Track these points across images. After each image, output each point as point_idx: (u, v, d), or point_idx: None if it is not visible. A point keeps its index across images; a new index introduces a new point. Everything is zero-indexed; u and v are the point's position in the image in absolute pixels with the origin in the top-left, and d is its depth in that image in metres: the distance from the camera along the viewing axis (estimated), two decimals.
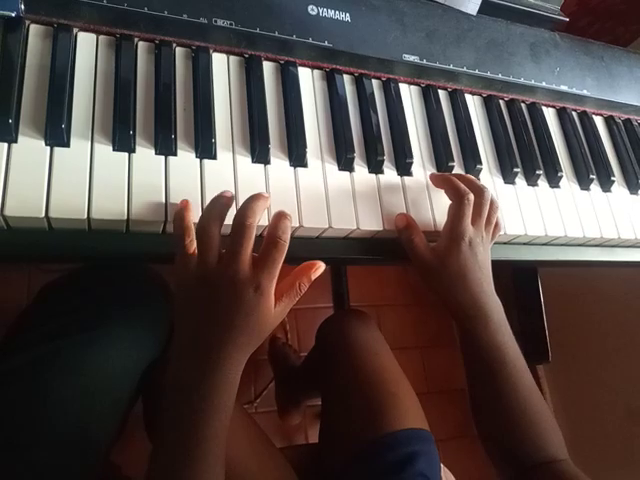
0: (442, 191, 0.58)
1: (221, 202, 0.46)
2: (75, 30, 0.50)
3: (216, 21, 0.53)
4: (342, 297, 1.46)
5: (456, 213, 0.54)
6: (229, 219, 0.46)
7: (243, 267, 0.43)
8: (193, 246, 0.45)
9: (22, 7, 0.47)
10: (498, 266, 0.60)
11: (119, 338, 0.56)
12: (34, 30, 0.49)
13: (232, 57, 0.57)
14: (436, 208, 0.60)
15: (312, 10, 0.58)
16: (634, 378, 1.26)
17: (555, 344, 0.95)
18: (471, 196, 0.54)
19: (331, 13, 0.59)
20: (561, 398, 1.48)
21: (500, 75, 0.67)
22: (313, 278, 0.47)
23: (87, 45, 0.51)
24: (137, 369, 0.58)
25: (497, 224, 0.58)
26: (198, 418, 0.43)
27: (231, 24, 0.53)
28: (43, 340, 0.53)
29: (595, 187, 0.72)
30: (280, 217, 0.45)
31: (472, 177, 0.58)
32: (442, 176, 0.59)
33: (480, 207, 0.55)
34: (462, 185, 0.55)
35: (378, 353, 0.79)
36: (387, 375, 0.75)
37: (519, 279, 0.59)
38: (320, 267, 0.47)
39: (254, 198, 0.45)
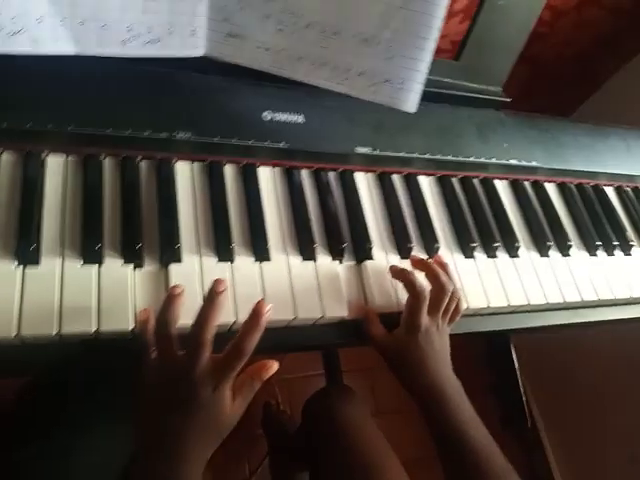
0: None
1: (173, 304, 0.46)
2: (43, 155, 0.54)
3: (176, 134, 0.57)
4: (333, 365, 1.44)
5: (412, 308, 0.57)
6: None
7: (201, 370, 0.45)
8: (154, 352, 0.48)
9: None
10: (468, 338, 0.62)
11: (99, 437, 0.57)
12: (6, 157, 0.53)
13: (195, 163, 0.61)
14: (399, 288, 0.62)
15: (266, 116, 0.62)
16: (635, 426, 1.26)
17: (545, 402, 0.95)
18: (427, 293, 0.57)
19: (285, 116, 0.63)
20: (563, 452, 1.45)
21: (451, 156, 0.72)
22: (264, 378, 0.49)
23: (56, 166, 0.55)
24: (119, 464, 0.59)
25: (457, 308, 0.60)
26: None
27: (190, 136, 0.58)
28: (25, 442, 0.55)
29: (554, 253, 0.74)
30: (253, 329, 0.45)
31: (437, 270, 0.59)
32: (399, 271, 0.60)
33: (439, 301, 0.58)
34: (418, 282, 0.57)
35: (362, 428, 0.79)
36: (373, 450, 0.75)
37: (493, 348, 0.60)
38: (272, 367, 0.49)
39: (210, 309, 0.46)
